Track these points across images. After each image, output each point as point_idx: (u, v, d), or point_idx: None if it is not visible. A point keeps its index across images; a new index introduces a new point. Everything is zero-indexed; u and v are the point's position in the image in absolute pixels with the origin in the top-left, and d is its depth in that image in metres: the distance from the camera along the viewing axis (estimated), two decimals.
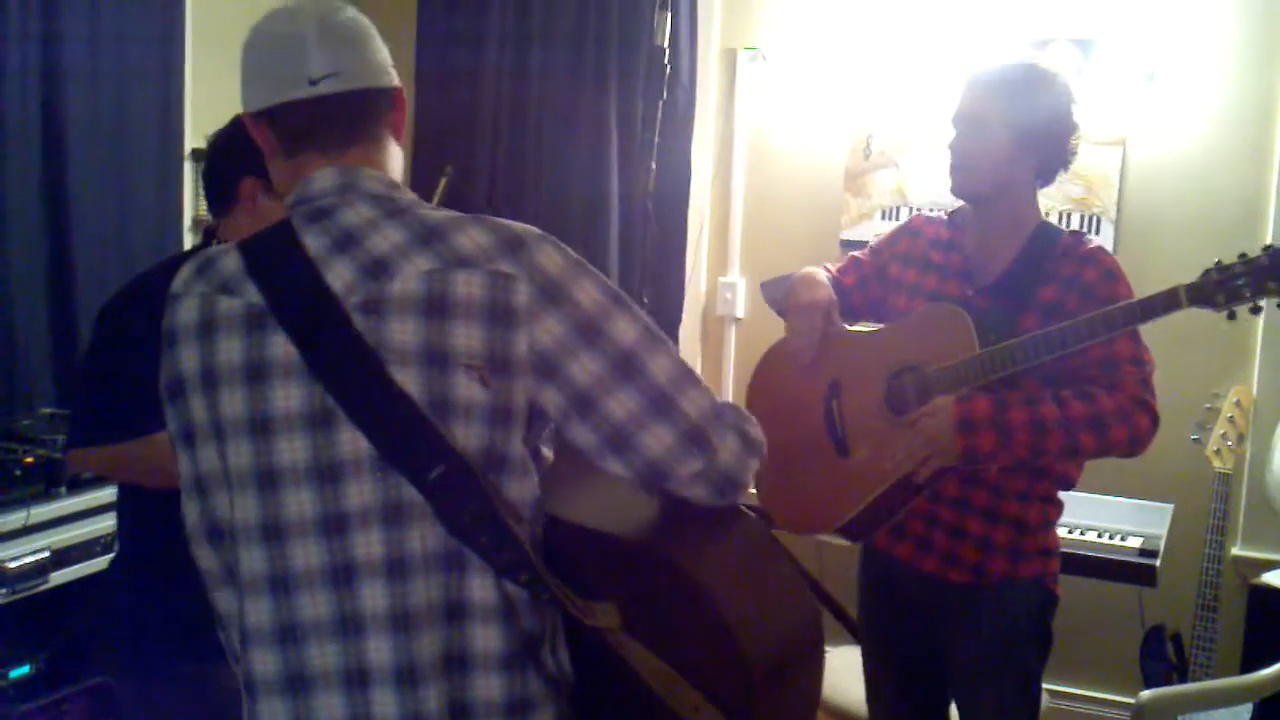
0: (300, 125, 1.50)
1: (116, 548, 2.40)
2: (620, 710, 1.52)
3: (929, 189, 4.04)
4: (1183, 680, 3.25)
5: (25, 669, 2.86)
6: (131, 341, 2.19)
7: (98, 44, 3.45)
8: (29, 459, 2.90)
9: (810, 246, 4.17)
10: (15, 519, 2.80)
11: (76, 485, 2.97)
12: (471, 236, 1.42)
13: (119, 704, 2.41)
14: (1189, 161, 3.72)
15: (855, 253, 2.72)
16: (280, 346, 1.42)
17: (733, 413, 1.50)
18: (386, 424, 1.39)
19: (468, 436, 1.39)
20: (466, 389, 1.38)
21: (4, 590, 2.73)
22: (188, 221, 3.73)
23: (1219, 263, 2.14)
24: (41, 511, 2.87)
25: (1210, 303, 2.14)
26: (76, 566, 2.91)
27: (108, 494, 2.50)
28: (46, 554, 2.84)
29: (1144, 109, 3.75)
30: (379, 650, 1.40)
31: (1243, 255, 2.13)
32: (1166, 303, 2.15)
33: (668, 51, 3.98)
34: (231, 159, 2.28)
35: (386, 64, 1.54)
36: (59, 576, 2.87)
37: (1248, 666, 3.13)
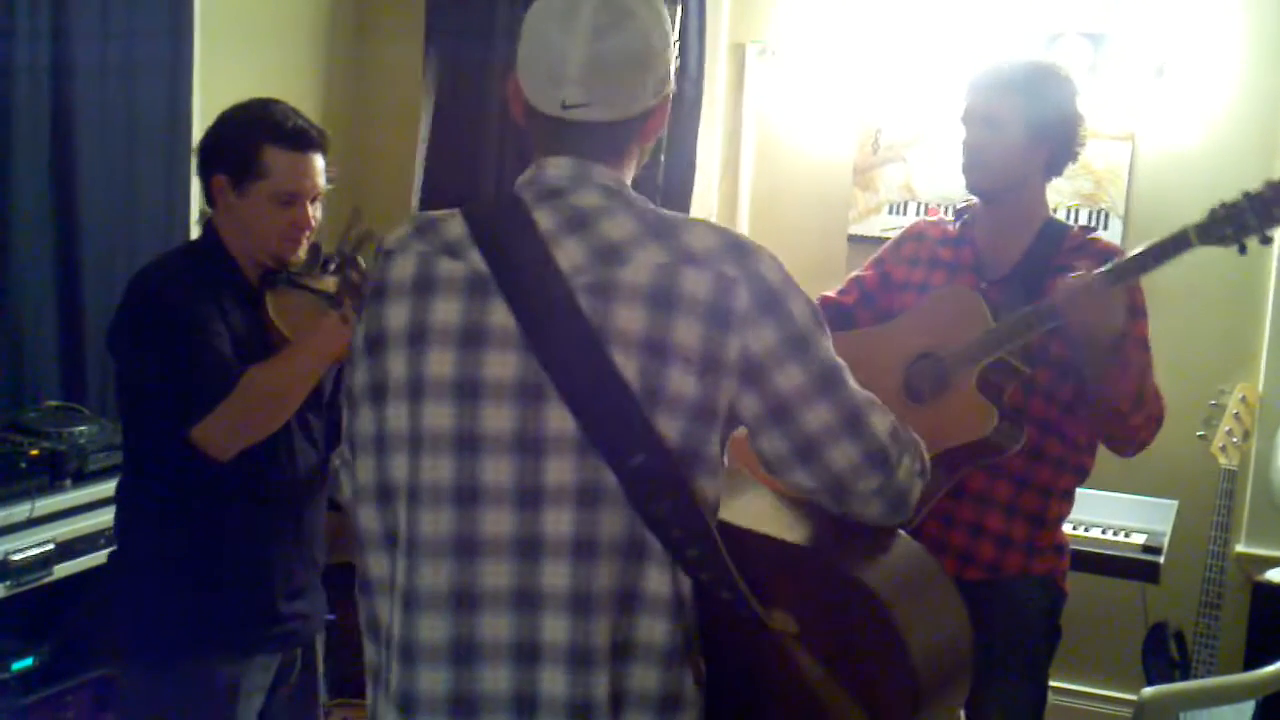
0: (547, 133, 1.52)
1: (116, 542, 2.41)
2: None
3: (937, 184, 4.03)
4: (1185, 677, 3.25)
5: (29, 661, 2.86)
6: (171, 320, 2.20)
7: (107, 39, 3.46)
8: (35, 451, 2.90)
9: (818, 241, 4.17)
10: (20, 511, 2.80)
11: (82, 478, 2.98)
12: (700, 236, 1.45)
13: (121, 696, 2.42)
14: (1198, 157, 3.71)
15: (862, 270, 2.72)
16: (500, 315, 1.43)
17: (908, 435, 1.54)
18: (597, 405, 1.40)
19: (670, 429, 1.41)
20: (679, 383, 1.40)
21: (8, 582, 2.74)
22: (194, 215, 3.74)
23: (1222, 202, 2.15)
24: (46, 504, 2.87)
25: (1219, 238, 2.14)
26: (81, 559, 2.91)
27: (112, 487, 2.50)
28: (51, 546, 2.84)
29: (1154, 104, 3.74)
30: (554, 629, 1.41)
31: (1245, 192, 2.14)
32: (1176, 244, 2.16)
33: (676, 46, 3.97)
34: (205, 156, 2.32)
35: (651, 85, 1.51)
36: (63, 569, 2.87)
37: (1251, 664, 3.12)
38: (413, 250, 1.50)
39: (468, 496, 1.43)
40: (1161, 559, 3.22)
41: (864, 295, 2.66)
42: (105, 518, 2.89)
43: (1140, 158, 3.78)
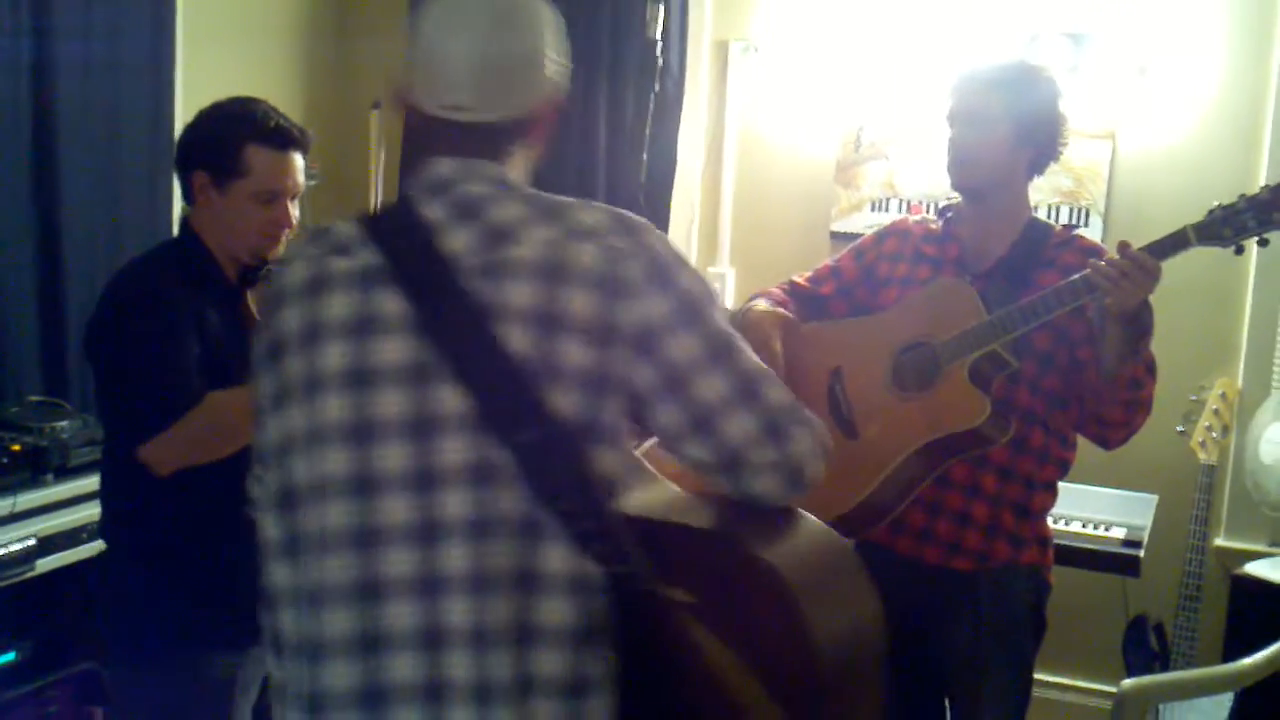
0: (431, 133, 1.54)
1: (102, 538, 2.40)
2: (671, 700, 1.47)
3: (919, 181, 4.05)
4: (1165, 669, 3.27)
5: (11, 656, 2.86)
6: (140, 331, 2.21)
7: (89, 37, 3.45)
8: (16, 446, 2.89)
9: (800, 238, 4.18)
10: (2, 506, 2.79)
11: (64, 473, 2.97)
12: (590, 214, 1.48)
13: (108, 691, 2.41)
14: (1179, 155, 3.73)
15: (831, 260, 2.74)
16: (391, 302, 1.44)
17: (804, 411, 1.53)
18: (488, 382, 1.41)
19: (564, 401, 1.40)
20: (571, 354, 1.41)
21: None
22: (178, 213, 3.73)
23: (1220, 204, 2.19)
24: (28, 498, 2.86)
25: (1218, 238, 2.19)
26: (63, 553, 2.90)
27: (94, 481, 2.50)
28: (33, 541, 2.83)
29: (1135, 103, 3.76)
30: (457, 612, 1.40)
31: (1242, 195, 2.18)
32: (1175, 242, 2.21)
33: (659, 44, 3.98)
34: (185, 152, 2.33)
35: (536, 86, 1.54)
36: (46, 563, 2.86)
37: (1230, 656, 3.14)
38: (305, 255, 1.52)
39: (364, 486, 1.42)
40: (1142, 553, 3.23)
41: (842, 288, 2.67)
42: (88, 513, 2.89)
43: (1121, 156, 3.80)
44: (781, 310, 2.60)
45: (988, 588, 2.48)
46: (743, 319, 2.61)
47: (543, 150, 1.62)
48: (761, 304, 2.63)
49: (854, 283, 2.66)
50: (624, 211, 1.51)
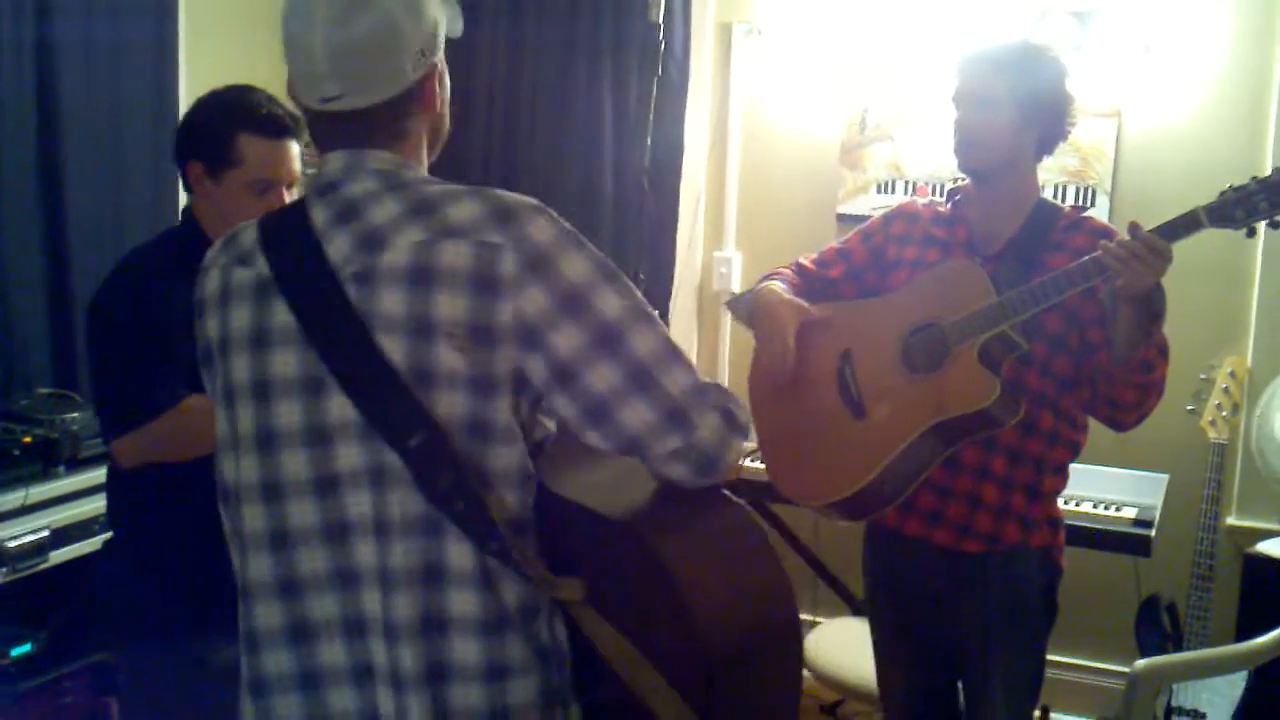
0: (319, 128, 1.55)
1: (109, 527, 2.41)
2: (594, 689, 1.54)
3: (925, 163, 4.04)
4: (1178, 650, 3.27)
5: (26, 647, 2.87)
6: (129, 326, 2.22)
7: (92, 22, 3.44)
8: (28, 438, 2.91)
9: (806, 221, 4.18)
10: (14, 498, 2.81)
11: (75, 464, 2.98)
12: (463, 208, 1.45)
13: (119, 680, 2.42)
14: (1185, 133, 3.72)
15: (837, 244, 2.73)
16: (281, 314, 1.47)
17: (717, 393, 1.50)
18: (370, 391, 1.43)
19: (451, 405, 1.42)
20: (448, 358, 1.41)
21: (4, 569, 2.75)
22: (183, 201, 3.73)
23: (1232, 185, 2.18)
24: (40, 490, 2.88)
25: (1230, 220, 2.18)
26: (76, 545, 2.92)
27: (105, 473, 2.51)
28: (46, 533, 2.85)
29: (1140, 81, 3.74)
30: (373, 602, 1.46)
31: (1254, 177, 2.17)
32: (1187, 224, 2.20)
33: (662, 27, 3.97)
34: (180, 142, 2.34)
35: (407, 60, 1.49)
36: (58, 555, 2.88)
37: (1242, 635, 3.14)
38: (218, 264, 1.56)
39: (273, 492, 1.49)
40: (1153, 532, 3.23)
41: (851, 271, 2.66)
42: (99, 504, 2.88)
43: (1126, 134, 3.79)
44: (801, 302, 2.56)
45: (998, 570, 2.48)
46: (754, 300, 2.60)
47: (443, 112, 1.59)
48: (778, 287, 2.60)
49: (863, 266, 2.65)
50: (506, 198, 1.47)
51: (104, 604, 2.40)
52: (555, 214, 1.49)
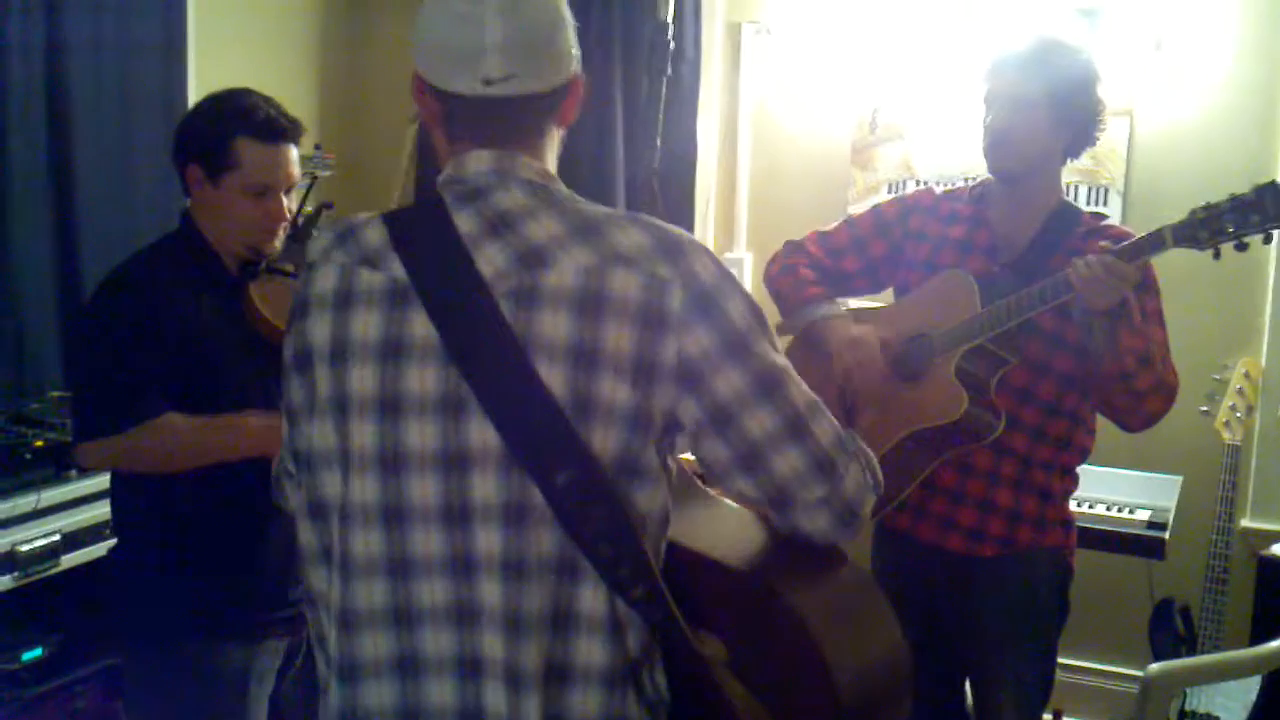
0: (468, 118, 1.46)
1: (114, 533, 2.41)
2: None
3: (935, 162, 4.03)
4: (1192, 653, 3.25)
5: (38, 651, 2.87)
6: (119, 333, 2.22)
7: (101, 22, 3.45)
8: (39, 442, 2.90)
9: (817, 221, 4.09)
10: (26, 502, 2.80)
11: (86, 469, 2.97)
12: (630, 235, 1.38)
13: (131, 685, 2.42)
14: (1196, 131, 3.70)
15: (849, 228, 2.69)
16: (421, 326, 1.37)
17: (855, 443, 1.48)
18: (520, 419, 1.34)
19: (605, 440, 1.35)
20: (610, 391, 1.34)
21: (16, 573, 2.74)
22: (191, 203, 3.73)
23: (1206, 204, 2.16)
24: (52, 495, 2.87)
25: (1194, 241, 2.16)
26: (87, 549, 2.91)
27: None
28: (57, 537, 2.85)
29: (1151, 78, 3.73)
30: (493, 645, 1.37)
31: (1231, 194, 2.14)
32: (1152, 243, 2.19)
33: (672, 27, 3.95)
34: (179, 146, 2.32)
35: (567, 54, 1.46)
36: (69, 559, 2.88)
37: (1257, 639, 3.13)
38: (334, 262, 1.44)
39: (395, 516, 1.39)
40: (1167, 535, 3.22)
41: (869, 265, 2.65)
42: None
43: (1138, 133, 3.77)
44: (871, 340, 2.53)
45: (1011, 571, 2.48)
46: (818, 333, 2.58)
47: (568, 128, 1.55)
48: (845, 322, 2.56)
49: (880, 260, 2.64)
50: (669, 231, 1.41)
51: (112, 609, 2.39)
52: (712, 252, 1.43)
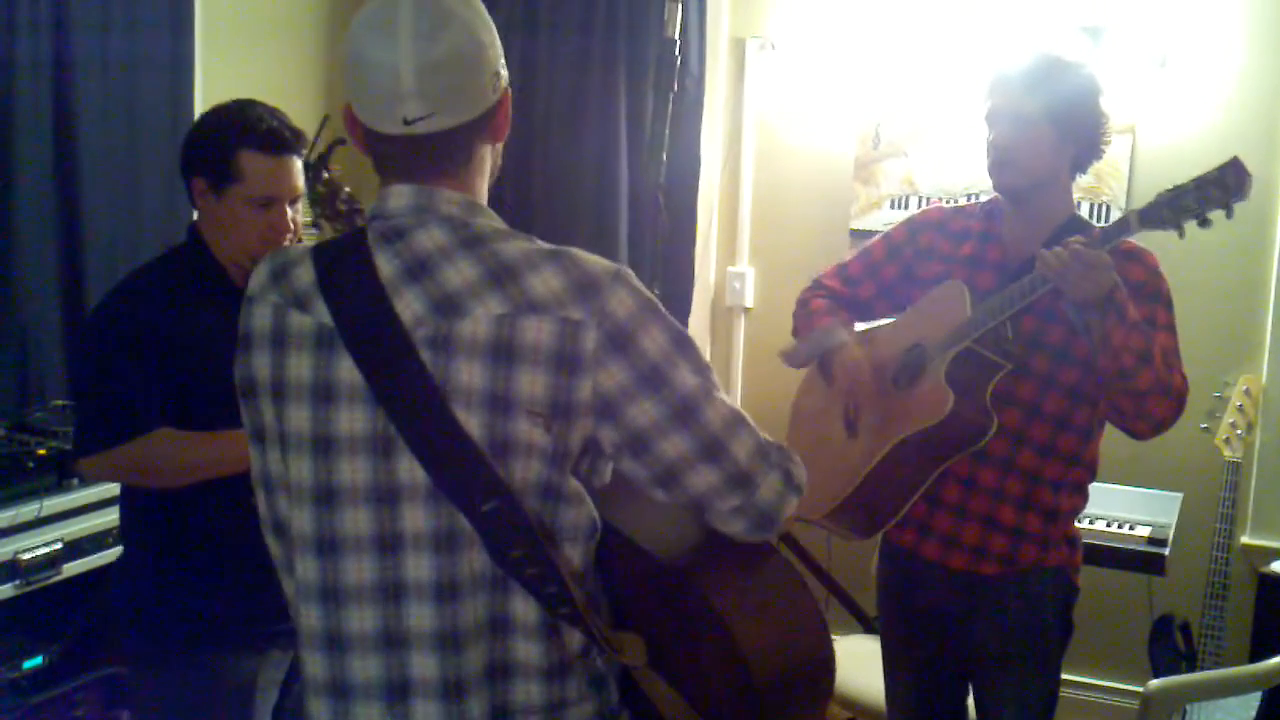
0: (392, 154, 1.50)
1: (121, 541, 2.42)
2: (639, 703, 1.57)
3: (938, 178, 4.04)
4: (1192, 669, 3.25)
5: (39, 660, 2.87)
6: (117, 346, 2.22)
7: (108, 37, 3.46)
8: (42, 451, 2.91)
9: (819, 236, 4.18)
10: (28, 511, 2.80)
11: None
12: (545, 279, 1.42)
13: (131, 693, 2.42)
14: (1198, 149, 3.70)
15: (862, 257, 2.72)
16: (347, 371, 1.44)
17: (777, 452, 1.53)
18: (443, 458, 1.41)
19: (526, 473, 1.42)
20: (528, 433, 1.41)
21: (18, 581, 2.74)
22: (197, 215, 3.75)
23: (1172, 185, 2.20)
24: (54, 503, 2.87)
25: (1159, 221, 2.19)
26: (89, 558, 2.91)
27: (119, 486, 2.51)
28: (59, 545, 2.85)
29: (1154, 96, 3.74)
30: (423, 665, 1.46)
31: (1195, 177, 2.19)
32: (1119, 228, 2.22)
33: (678, 42, 3.96)
34: (184, 159, 2.33)
35: (490, 78, 1.48)
36: (71, 568, 2.88)
37: (1256, 655, 3.13)
38: (268, 301, 1.51)
39: (328, 546, 1.47)
40: (1167, 551, 3.22)
41: (883, 289, 2.67)
42: (113, 517, 2.90)
43: (1140, 150, 3.78)
44: (863, 361, 2.55)
45: (1014, 590, 2.48)
46: (824, 363, 2.61)
47: (503, 142, 1.57)
48: (847, 348, 2.56)
49: (893, 283, 2.65)
50: (589, 267, 1.44)
51: (116, 618, 2.39)
52: (635, 280, 1.47)
